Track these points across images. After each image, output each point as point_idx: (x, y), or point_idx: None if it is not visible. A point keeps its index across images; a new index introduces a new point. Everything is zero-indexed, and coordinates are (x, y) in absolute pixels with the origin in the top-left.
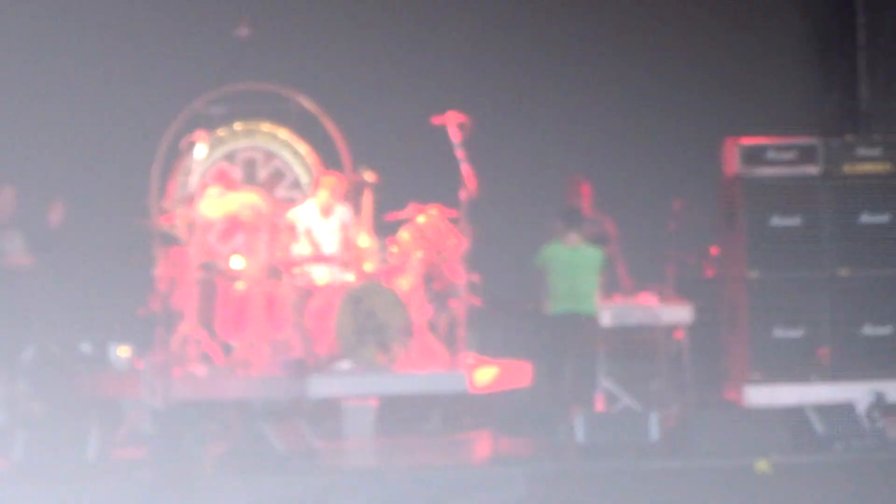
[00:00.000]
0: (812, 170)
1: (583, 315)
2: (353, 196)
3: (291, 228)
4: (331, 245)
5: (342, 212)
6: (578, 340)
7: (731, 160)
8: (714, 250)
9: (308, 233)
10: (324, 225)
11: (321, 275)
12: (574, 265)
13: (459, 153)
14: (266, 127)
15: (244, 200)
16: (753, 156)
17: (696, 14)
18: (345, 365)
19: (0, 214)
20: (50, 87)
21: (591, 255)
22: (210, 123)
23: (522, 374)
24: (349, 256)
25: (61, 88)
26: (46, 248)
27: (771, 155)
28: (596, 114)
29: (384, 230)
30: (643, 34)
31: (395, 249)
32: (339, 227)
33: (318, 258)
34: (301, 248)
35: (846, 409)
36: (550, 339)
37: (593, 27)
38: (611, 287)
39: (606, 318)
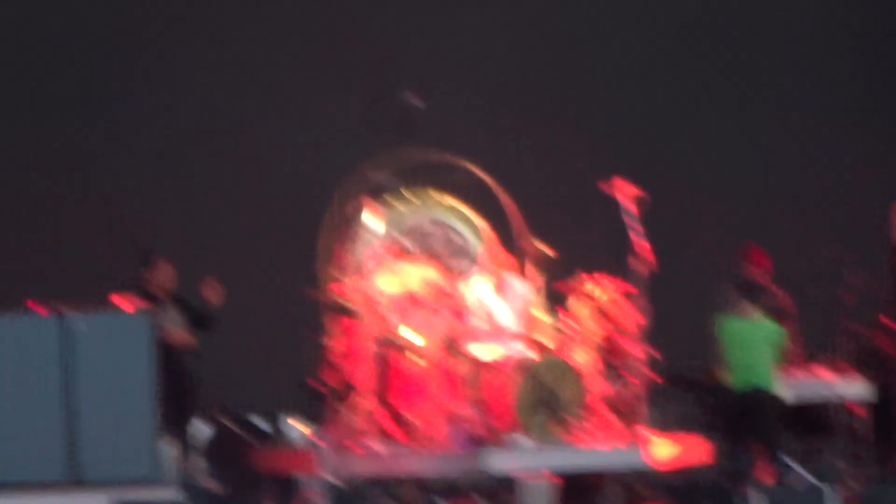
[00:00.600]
0: None
1: (761, 389)
2: (529, 267)
3: (464, 304)
4: (508, 321)
5: (520, 286)
6: (760, 415)
7: None
8: (887, 321)
9: (485, 311)
10: (500, 302)
11: (494, 350)
12: (750, 338)
13: (636, 226)
14: (438, 196)
15: (420, 273)
16: None
17: (867, 75)
18: (523, 440)
19: (157, 289)
20: (216, 153)
21: (769, 329)
22: (380, 191)
23: (702, 450)
24: (528, 331)
25: (228, 154)
26: (204, 327)
27: None
28: (768, 180)
29: (557, 301)
30: (811, 93)
31: (572, 323)
32: (518, 301)
33: (499, 333)
34: (477, 323)
35: None
36: (730, 413)
37: (769, 89)
38: (786, 362)
39: (784, 393)
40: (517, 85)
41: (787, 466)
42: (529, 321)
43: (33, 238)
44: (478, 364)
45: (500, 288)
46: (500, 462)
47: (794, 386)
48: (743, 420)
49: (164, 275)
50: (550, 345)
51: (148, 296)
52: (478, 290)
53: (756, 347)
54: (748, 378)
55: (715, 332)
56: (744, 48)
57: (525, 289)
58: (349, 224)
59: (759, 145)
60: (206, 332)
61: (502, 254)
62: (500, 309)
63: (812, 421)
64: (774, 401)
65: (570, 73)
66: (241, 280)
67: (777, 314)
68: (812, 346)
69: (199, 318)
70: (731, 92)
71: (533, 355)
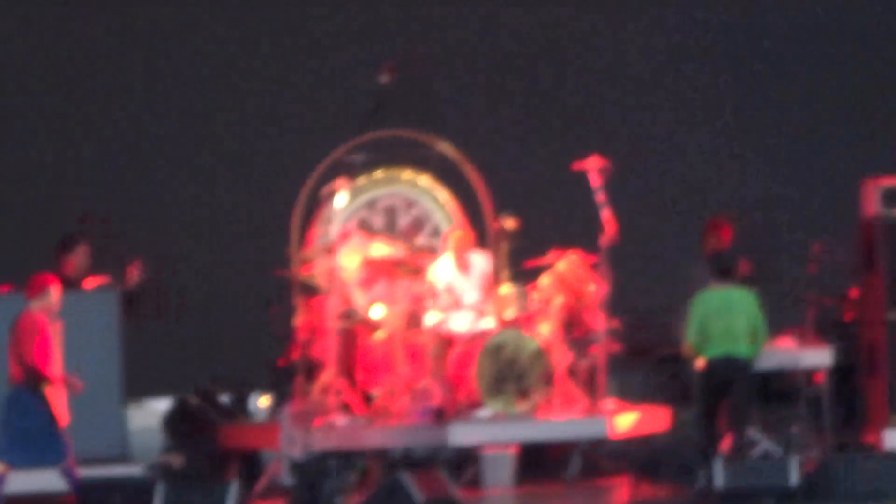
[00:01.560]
0: None
1: (740, 359)
2: (493, 243)
3: (431, 286)
4: (471, 298)
5: (481, 261)
6: (734, 384)
7: (871, 201)
8: (853, 292)
9: (449, 289)
10: (463, 280)
11: (460, 324)
12: (727, 308)
13: (600, 197)
14: (407, 174)
15: (386, 250)
16: (894, 197)
17: (838, 53)
18: (485, 413)
19: (74, 274)
20: (190, 136)
21: (746, 298)
22: (351, 171)
23: (662, 419)
24: (489, 304)
25: (202, 138)
26: (130, 313)
27: None
28: (735, 154)
29: (524, 277)
30: (783, 68)
31: (535, 296)
32: (479, 276)
33: (462, 307)
34: (441, 298)
35: None
36: (705, 383)
37: (740, 64)
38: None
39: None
40: (489, 61)
41: (751, 437)
42: (492, 295)
43: None
44: (441, 338)
45: (464, 269)
46: (462, 435)
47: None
48: (716, 389)
49: (82, 260)
50: (513, 317)
51: (64, 281)
52: (442, 265)
53: (736, 317)
54: (728, 347)
55: (690, 305)
56: (715, 21)
57: (487, 263)
58: (321, 204)
59: (728, 119)
60: (135, 319)
61: (459, 238)
62: (466, 290)
63: (775, 390)
64: (749, 371)
65: (541, 47)
66: (213, 259)
67: (748, 283)
68: (778, 318)
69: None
70: (702, 66)
71: (495, 328)
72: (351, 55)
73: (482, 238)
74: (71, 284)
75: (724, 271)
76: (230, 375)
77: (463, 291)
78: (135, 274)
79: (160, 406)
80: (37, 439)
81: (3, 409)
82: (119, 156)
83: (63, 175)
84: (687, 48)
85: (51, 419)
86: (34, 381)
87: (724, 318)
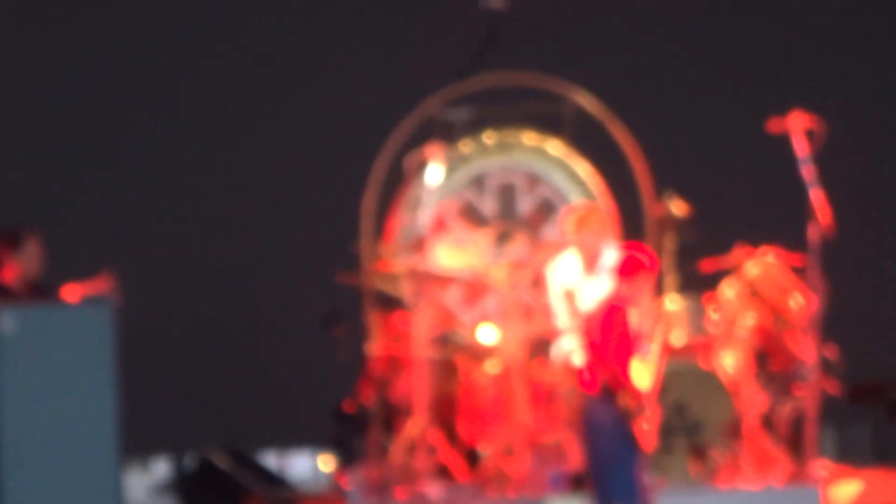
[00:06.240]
0: None
1: None
2: (653, 235)
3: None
4: None
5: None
6: None
7: None
8: None
9: (569, 297)
10: (591, 283)
11: None
12: None
13: (808, 172)
14: (530, 139)
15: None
16: None
17: None
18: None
19: (15, 279)
20: (227, 86)
21: None
22: (449, 134)
23: None
24: (650, 326)
25: (239, 90)
26: None
27: None
28: None
29: (699, 285)
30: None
31: (715, 313)
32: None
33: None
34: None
35: None
36: None
37: None
38: None
39: None
40: None
41: None
42: (651, 311)
43: None
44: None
45: (592, 268)
46: None
47: None
48: None
49: (31, 261)
50: (682, 343)
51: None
52: (564, 274)
53: None
54: None
55: None
56: None
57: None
58: (406, 181)
59: None
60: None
61: (583, 219)
62: (593, 291)
63: None
64: None
65: None
66: (248, 261)
67: None
68: None
69: None
70: None
71: (656, 359)
72: None
73: (636, 229)
74: (13, 295)
75: None
76: (272, 428)
77: (591, 301)
78: (106, 284)
79: (170, 469)
80: None
81: None
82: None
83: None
84: None
85: None
86: None
87: None
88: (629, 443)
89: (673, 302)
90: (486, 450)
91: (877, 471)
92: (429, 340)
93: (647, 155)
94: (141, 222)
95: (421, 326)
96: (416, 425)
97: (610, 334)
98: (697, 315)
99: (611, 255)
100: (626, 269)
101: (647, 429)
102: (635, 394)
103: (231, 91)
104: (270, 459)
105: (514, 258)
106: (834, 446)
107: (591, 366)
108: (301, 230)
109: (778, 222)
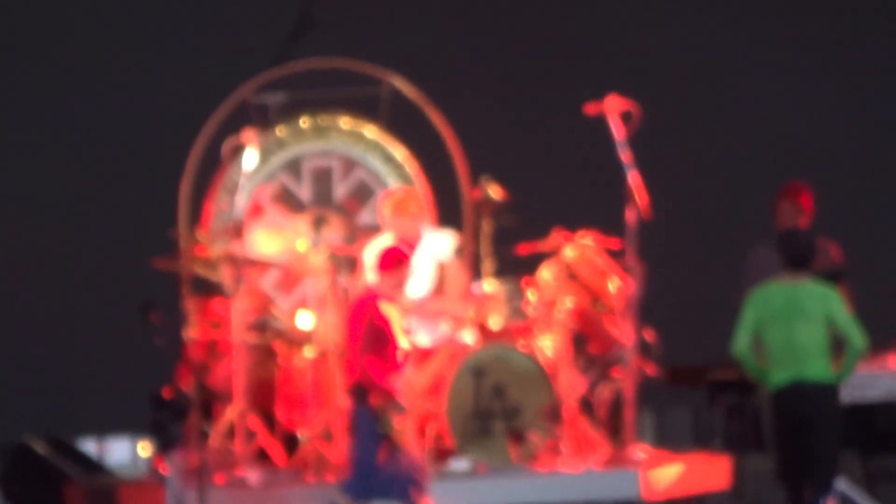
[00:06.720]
0: None
1: (812, 384)
2: (469, 219)
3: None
4: (424, 293)
5: (437, 242)
6: (808, 420)
7: None
8: None
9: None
10: (419, 267)
11: (420, 336)
12: (794, 312)
13: (624, 155)
14: (346, 122)
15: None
16: None
17: None
18: (462, 464)
19: None
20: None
21: (819, 297)
22: (264, 118)
23: (719, 473)
24: (464, 308)
25: (51, 72)
26: None
27: None
28: (822, 100)
29: (516, 269)
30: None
31: (533, 297)
32: (434, 264)
33: (419, 310)
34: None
35: None
36: (775, 422)
37: None
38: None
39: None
40: None
41: (845, 494)
42: (469, 295)
43: None
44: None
45: (409, 244)
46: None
47: (854, 382)
48: (790, 430)
49: None
50: (500, 327)
51: None
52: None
53: (799, 324)
54: (791, 370)
55: (743, 307)
56: None
57: (451, 246)
58: (222, 166)
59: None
60: None
61: (399, 203)
62: (417, 282)
63: (883, 429)
64: (832, 403)
65: None
66: (64, 246)
67: (833, 277)
68: (883, 329)
69: None
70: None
71: (474, 343)
72: None
73: (453, 213)
74: None
75: (797, 257)
76: (91, 414)
77: (414, 286)
78: None
79: None
80: None
81: None
82: None
83: None
84: None
85: None
86: None
87: (787, 326)
88: (376, 440)
89: (491, 286)
90: (304, 435)
91: (696, 454)
92: (247, 326)
93: (464, 139)
94: None
95: (239, 312)
96: (235, 410)
97: (359, 329)
98: (515, 299)
99: (430, 238)
100: (386, 262)
101: (403, 427)
102: (387, 392)
103: (45, 74)
104: (89, 445)
105: (330, 243)
106: (653, 430)
107: (348, 362)
108: (118, 216)
109: (595, 206)
